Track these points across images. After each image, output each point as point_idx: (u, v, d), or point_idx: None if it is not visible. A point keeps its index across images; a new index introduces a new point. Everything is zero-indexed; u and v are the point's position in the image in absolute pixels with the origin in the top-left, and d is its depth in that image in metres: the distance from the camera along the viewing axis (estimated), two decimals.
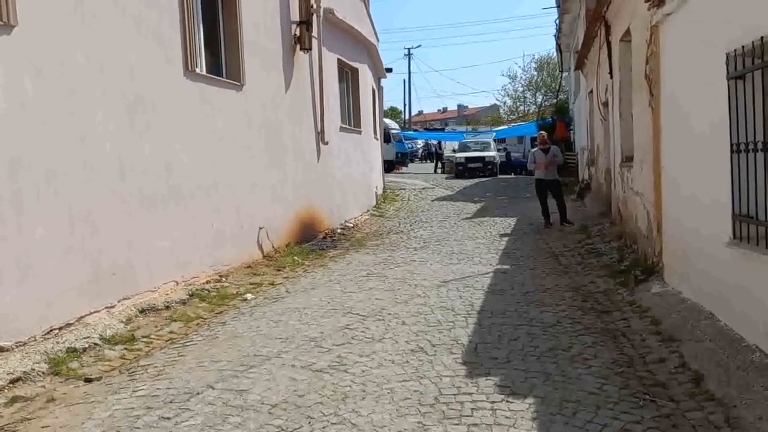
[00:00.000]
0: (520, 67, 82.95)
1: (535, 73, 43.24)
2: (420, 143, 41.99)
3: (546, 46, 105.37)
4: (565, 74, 25.16)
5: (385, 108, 65.62)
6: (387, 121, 32.89)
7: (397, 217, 14.13)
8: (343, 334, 5.28)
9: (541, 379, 4.09)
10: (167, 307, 6.49)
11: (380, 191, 17.14)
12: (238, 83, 8.67)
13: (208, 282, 7.55)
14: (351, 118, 14.10)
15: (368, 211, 14.59)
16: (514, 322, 5.46)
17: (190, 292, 7.00)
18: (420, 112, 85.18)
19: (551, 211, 11.78)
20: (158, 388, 4.24)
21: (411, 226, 12.69)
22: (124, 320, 6.03)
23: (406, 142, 35.63)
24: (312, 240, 10.91)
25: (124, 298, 6.27)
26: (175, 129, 7.18)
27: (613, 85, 9.68)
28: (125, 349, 5.31)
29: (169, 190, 7.05)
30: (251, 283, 7.76)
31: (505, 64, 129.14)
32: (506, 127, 41.11)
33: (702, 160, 4.95)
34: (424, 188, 19.97)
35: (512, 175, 28.92)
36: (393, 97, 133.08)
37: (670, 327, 4.94)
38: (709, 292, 4.85)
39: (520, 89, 44.90)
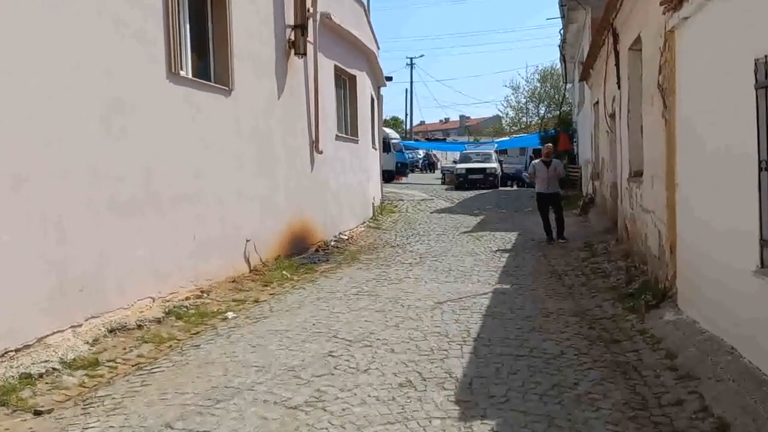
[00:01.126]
0: (523, 78, 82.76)
1: (539, 84, 42.95)
2: (421, 153, 41.58)
3: (549, 57, 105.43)
4: (569, 85, 24.76)
5: (386, 117, 65.30)
6: (387, 130, 32.48)
7: (393, 229, 13.67)
8: (325, 363, 4.79)
9: (544, 424, 3.61)
10: (139, 327, 6.01)
11: (378, 202, 16.68)
12: (227, 88, 8.23)
13: (187, 298, 7.07)
14: (348, 127, 13.66)
15: (364, 222, 14.13)
16: (513, 352, 4.97)
17: (167, 310, 6.52)
18: (422, 122, 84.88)
19: (552, 226, 11.44)
20: (111, 426, 3.76)
21: (407, 239, 12.22)
22: (90, 341, 5.55)
23: (407, 152, 35.22)
24: (304, 253, 10.44)
25: (93, 316, 5.79)
26: (157, 134, 6.73)
27: (621, 96, 9.24)
28: (86, 375, 4.83)
29: (148, 197, 6.59)
30: (234, 300, 7.27)
31: (508, 75, 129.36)
32: (508, 138, 40.76)
33: (723, 178, 4.48)
34: (423, 200, 19.50)
35: (514, 187, 28.51)
36: (394, 107, 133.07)
37: (687, 362, 4.45)
38: (731, 324, 4.37)
39: (523, 100, 44.56)
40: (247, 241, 8.65)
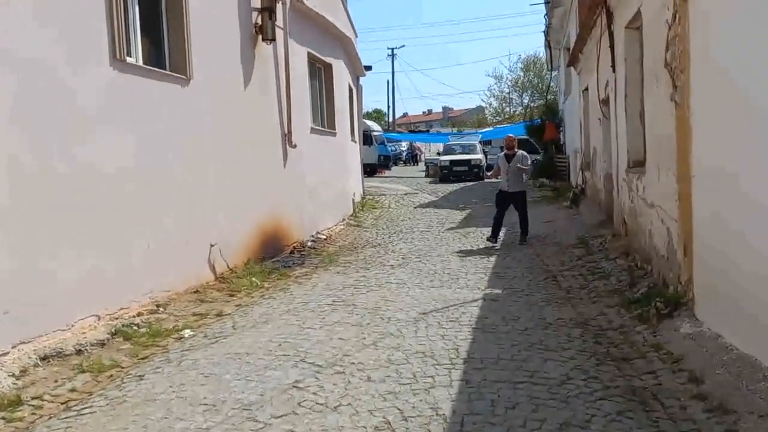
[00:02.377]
0: (506, 67, 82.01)
1: (522, 73, 42.28)
2: (404, 145, 40.79)
3: (533, 44, 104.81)
4: (554, 73, 24.10)
5: (369, 110, 64.51)
6: (368, 122, 31.70)
7: (375, 227, 12.90)
8: (289, 398, 4.02)
9: None
10: (79, 352, 5.20)
11: (359, 198, 15.91)
12: (184, 77, 7.39)
13: (140, 314, 6.26)
14: (324, 119, 12.85)
15: (344, 220, 13.35)
16: (511, 377, 4.24)
17: (114, 330, 5.71)
18: (405, 114, 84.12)
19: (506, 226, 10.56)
20: None
21: (390, 237, 11.46)
22: (16, 373, 4.73)
23: (389, 144, 34.43)
24: (278, 255, 9.65)
25: (22, 342, 4.98)
26: (96, 129, 5.90)
27: (617, 80, 8.53)
28: (3, 418, 4.02)
29: (88, 202, 5.76)
30: (195, 314, 6.48)
31: (491, 64, 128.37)
32: (492, 128, 40.11)
33: (761, 167, 3.77)
34: (406, 194, 18.77)
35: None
36: (376, 99, 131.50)
37: (716, 389, 3.75)
38: None
39: (506, 90, 43.91)
40: (212, 246, 7.85)
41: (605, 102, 10.16)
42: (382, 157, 30.04)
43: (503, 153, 10.59)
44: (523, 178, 10.33)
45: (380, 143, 30.31)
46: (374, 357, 4.76)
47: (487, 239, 10.10)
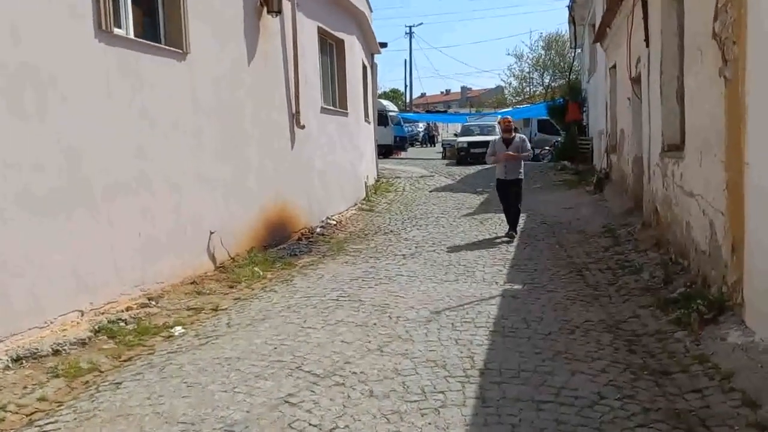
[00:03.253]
0: (526, 45, 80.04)
1: (543, 52, 41.07)
2: (421, 126, 40.00)
3: (554, 22, 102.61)
4: (578, 51, 23.16)
5: (386, 90, 63.60)
6: (384, 102, 30.98)
7: (388, 212, 12.34)
8: (278, 418, 3.51)
9: None
10: (56, 352, 4.76)
11: (372, 181, 15.33)
12: (180, 51, 6.85)
13: (129, 308, 5.80)
14: (336, 99, 12.25)
15: (356, 204, 12.80)
16: (534, 393, 3.69)
17: (98, 327, 5.26)
18: (422, 95, 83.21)
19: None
20: None
21: (403, 223, 10.90)
22: None
23: (406, 125, 33.70)
24: (284, 242, 9.16)
25: None
26: (84, 108, 5.39)
27: (651, 55, 7.82)
28: None
29: (74, 188, 5.28)
30: (189, 309, 6.01)
31: (512, 42, 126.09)
32: (511, 109, 39.17)
33: None
34: (422, 176, 18.14)
35: None
36: (393, 79, 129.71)
37: None
38: None
39: (527, 69, 42.77)
40: (211, 233, 7.36)
41: (636, 80, 9.45)
42: (398, 138, 29.35)
43: (500, 137, 9.56)
44: (521, 165, 9.28)
45: (396, 124, 29.60)
46: (379, 365, 4.23)
47: (506, 235, 9.10)
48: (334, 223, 10.91)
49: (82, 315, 5.36)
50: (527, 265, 7.32)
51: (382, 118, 26.69)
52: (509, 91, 47.81)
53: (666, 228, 7.06)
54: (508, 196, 9.23)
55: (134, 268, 6.05)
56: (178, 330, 5.35)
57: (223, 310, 5.97)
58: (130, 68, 6.03)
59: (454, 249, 8.42)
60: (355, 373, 4.12)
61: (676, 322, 4.79)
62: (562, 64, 39.96)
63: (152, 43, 6.50)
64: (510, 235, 9.02)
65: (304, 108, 9.87)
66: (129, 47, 6.07)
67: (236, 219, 7.93)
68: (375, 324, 5.17)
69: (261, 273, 7.46)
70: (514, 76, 44.38)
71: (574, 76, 25.97)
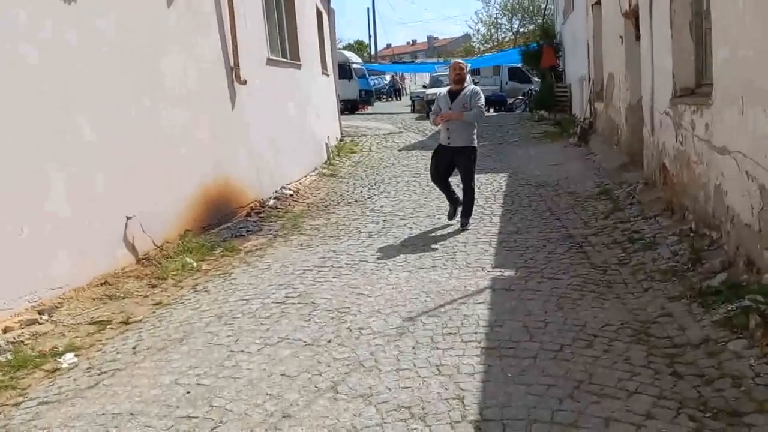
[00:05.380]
0: None
1: None
2: (388, 78, 38.18)
3: None
4: None
5: (350, 41, 61.14)
6: (347, 53, 29.15)
7: (353, 176, 10.97)
8: None
9: None
10: None
11: (334, 141, 13.90)
12: None
13: (7, 329, 4.42)
14: (286, 49, 10.68)
15: (316, 169, 11.39)
16: None
17: None
18: (388, 45, 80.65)
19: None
20: None
21: (369, 190, 9.57)
22: None
23: (372, 77, 31.94)
24: (229, 220, 7.78)
25: None
26: None
27: None
28: None
29: None
30: (93, 322, 4.67)
31: None
32: (479, 56, 37.60)
33: None
34: (390, 133, 16.72)
35: (491, 112, 25.75)
36: (357, 30, 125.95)
37: None
38: None
39: (495, 14, 41.00)
40: (128, 219, 5.94)
41: (631, 14, 8.13)
42: (363, 92, 27.64)
43: (446, 89, 6.93)
44: (473, 128, 6.60)
45: (361, 77, 27.84)
46: (330, 420, 2.97)
47: (448, 217, 6.94)
48: (291, 193, 9.53)
49: None
50: (517, 241, 6.09)
51: (346, 71, 24.97)
52: (477, 39, 46.11)
53: (681, 190, 5.87)
54: (448, 169, 6.79)
55: (17, 274, 4.65)
56: (68, 359, 4.02)
57: (135, 322, 4.64)
58: None
59: (429, 222, 7.15)
60: None
61: (725, 324, 3.62)
62: (531, 7, 38.35)
63: None
64: (465, 223, 6.67)
65: (245, 60, 8.35)
66: None
67: (163, 198, 6.51)
68: (330, 342, 3.90)
69: (194, 264, 6.11)
70: (481, 22, 42.70)
71: (546, 20, 24.47)
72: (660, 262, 4.93)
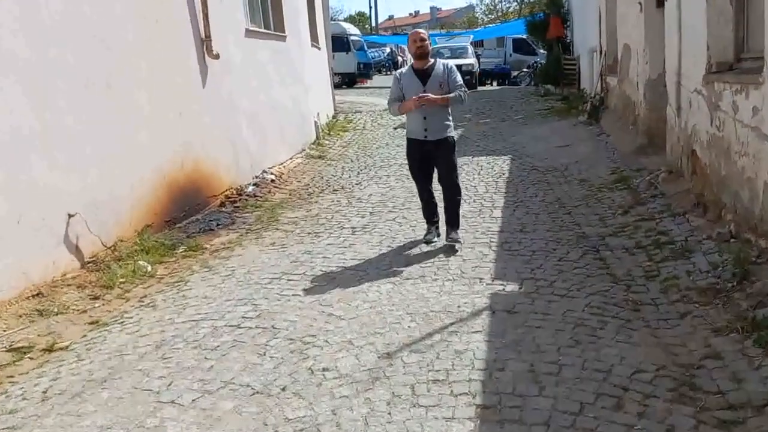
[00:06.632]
0: None
1: None
2: (387, 51, 36.85)
3: None
4: None
5: (351, 13, 59.54)
6: (344, 25, 28.02)
7: (342, 158, 10.08)
8: None
9: None
10: None
11: (326, 119, 12.96)
12: None
13: None
14: (269, 18, 9.70)
15: (303, 150, 10.48)
16: None
17: None
18: (390, 17, 78.84)
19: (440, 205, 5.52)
20: None
21: (358, 175, 8.69)
22: None
23: (371, 50, 30.73)
24: (201, 211, 6.94)
25: None
26: None
27: None
28: None
29: None
30: (11, 349, 3.87)
31: None
32: (482, 27, 36.33)
33: None
34: (386, 109, 15.66)
35: (494, 86, 24.72)
36: (359, 1, 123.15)
37: None
38: None
39: None
40: (70, 216, 5.08)
41: None
42: (362, 65, 26.48)
43: (408, 68, 5.36)
44: (448, 113, 5.20)
45: (359, 49, 26.65)
46: None
47: (425, 239, 5.38)
48: (272, 178, 8.65)
49: None
50: (521, 242, 5.22)
51: (343, 43, 23.91)
52: (481, 9, 44.62)
53: (717, 183, 4.99)
54: (429, 169, 5.34)
55: None
56: None
57: (60, 350, 3.83)
58: None
59: (421, 216, 6.25)
60: None
61: None
62: None
63: None
64: (454, 236, 5.16)
65: (219, 30, 7.41)
66: None
67: (117, 189, 5.64)
68: (284, 390, 3.07)
69: (148, 268, 5.28)
70: None
71: None
72: (696, 276, 4.07)
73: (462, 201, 5.48)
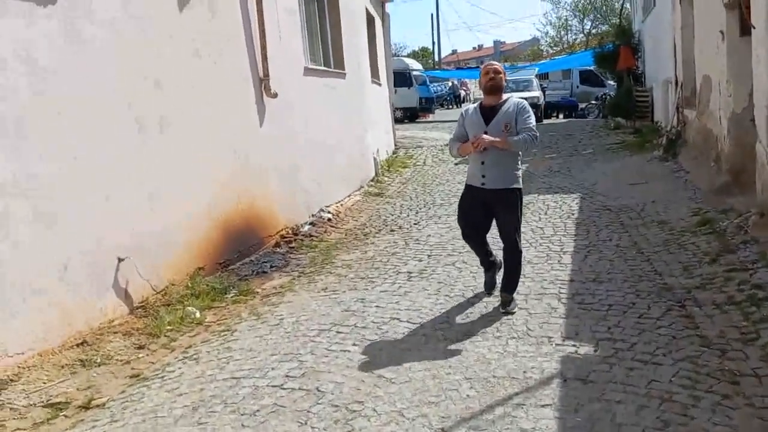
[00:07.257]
0: None
1: None
2: (449, 85, 36.75)
3: None
4: None
5: (415, 48, 60.06)
6: (407, 60, 28.09)
7: (401, 196, 9.80)
8: None
9: None
10: None
11: (385, 155, 12.77)
12: None
13: None
14: (329, 57, 9.64)
15: (362, 188, 10.28)
16: None
17: None
18: (454, 52, 79.15)
19: (494, 257, 5.01)
20: None
21: (417, 214, 8.37)
22: None
23: (433, 84, 30.67)
24: (255, 252, 6.78)
25: None
26: None
27: None
28: None
29: None
30: (48, 404, 3.70)
31: None
32: (548, 60, 35.74)
33: None
34: (448, 144, 15.43)
35: (560, 119, 24.04)
36: (421, 37, 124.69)
37: None
38: None
39: (565, 15, 38.95)
40: (120, 260, 4.98)
41: (735, 3, 6.60)
42: (423, 100, 26.38)
43: (476, 104, 4.78)
44: (517, 160, 4.60)
45: (421, 84, 26.61)
46: None
47: (486, 289, 4.98)
48: (329, 216, 8.45)
49: None
50: (595, 294, 4.73)
51: (405, 79, 23.90)
52: (546, 42, 44.08)
53: None
54: (484, 221, 4.73)
55: None
56: None
57: (97, 407, 3.63)
58: None
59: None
60: None
61: None
62: (604, 7, 36.18)
63: None
64: (508, 301, 4.56)
65: (277, 70, 7.34)
66: None
67: (169, 231, 5.54)
68: None
69: (197, 315, 5.09)
70: (550, 24, 40.69)
71: (617, 19, 22.51)
72: None
73: (523, 264, 4.82)
